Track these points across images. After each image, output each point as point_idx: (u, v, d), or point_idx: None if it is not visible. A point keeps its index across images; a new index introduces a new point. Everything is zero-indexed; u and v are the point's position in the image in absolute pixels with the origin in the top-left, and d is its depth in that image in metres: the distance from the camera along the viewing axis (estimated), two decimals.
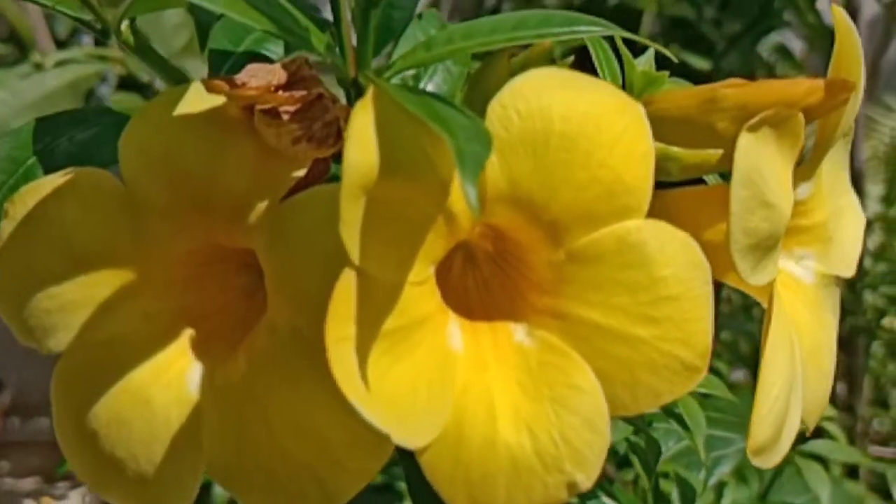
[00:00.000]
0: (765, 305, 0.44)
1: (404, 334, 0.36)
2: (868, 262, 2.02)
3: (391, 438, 0.34)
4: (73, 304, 0.40)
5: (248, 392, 0.39)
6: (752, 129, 0.39)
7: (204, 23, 0.46)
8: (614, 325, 0.38)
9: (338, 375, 0.33)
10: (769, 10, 1.85)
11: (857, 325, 1.92)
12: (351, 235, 0.34)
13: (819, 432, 1.02)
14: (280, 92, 0.41)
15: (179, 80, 0.48)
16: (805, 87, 0.42)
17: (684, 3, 1.82)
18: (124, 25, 0.46)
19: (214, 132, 0.40)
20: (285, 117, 0.40)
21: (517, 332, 0.39)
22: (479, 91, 0.43)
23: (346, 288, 0.34)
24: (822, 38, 2.02)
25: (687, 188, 0.45)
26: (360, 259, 0.34)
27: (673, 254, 0.38)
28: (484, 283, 0.41)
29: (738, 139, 0.39)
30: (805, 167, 0.45)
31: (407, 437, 0.34)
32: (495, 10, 2.02)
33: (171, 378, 0.40)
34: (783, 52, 2.01)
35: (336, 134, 0.41)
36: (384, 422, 0.33)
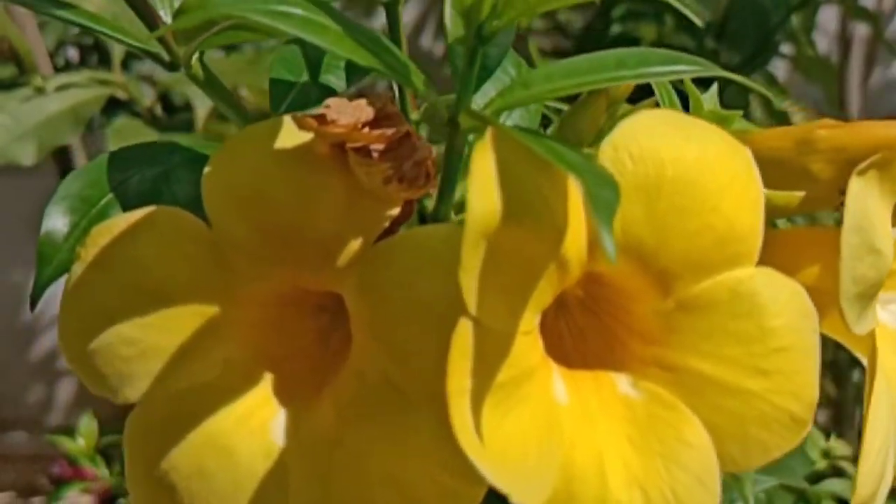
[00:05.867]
0: (855, 352, 0.43)
1: (514, 386, 0.34)
2: None
3: (509, 499, 0.32)
4: (153, 350, 0.38)
5: (337, 441, 0.38)
6: (862, 172, 0.38)
7: (313, 58, 0.45)
8: (725, 377, 0.36)
9: (458, 430, 0.31)
10: (768, 42, 1.86)
11: (846, 356, 1.93)
12: (470, 285, 0.32)
13: (838, 471, 1.01)
14: (368, 129, 0.39)
15: (247, 116, 0.46)
16: None
17: (684, 35, 1.81)
18: (194, 59, 0.44)
19: (305, 171, 0.38)
20: (375, 156, 0.39)
21: (621, 382, 0.37)
22: (572, 131, 0.41)
23: (463, 339, 0.32)
24: (818, 69, 2.02)
25: (777, 230, 0.44)
26: (476, 309, 0.33)
27: (784, 303, 0.37)
28: (579, 330, 0.40)
29: (850, 184, 0.38)
30: None
31: (523, 495, 0.33)
32: None
33: (255, 427, 0.39)
34: (768, 77, 2.03)
35: (426, 174, 0.40)
36: (502, 480, 0.32)
